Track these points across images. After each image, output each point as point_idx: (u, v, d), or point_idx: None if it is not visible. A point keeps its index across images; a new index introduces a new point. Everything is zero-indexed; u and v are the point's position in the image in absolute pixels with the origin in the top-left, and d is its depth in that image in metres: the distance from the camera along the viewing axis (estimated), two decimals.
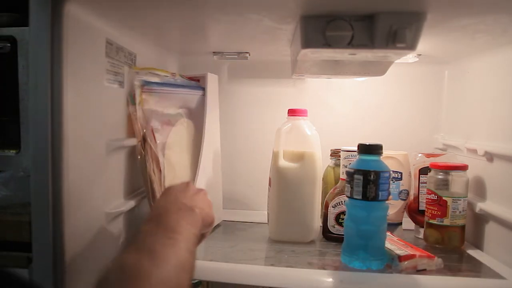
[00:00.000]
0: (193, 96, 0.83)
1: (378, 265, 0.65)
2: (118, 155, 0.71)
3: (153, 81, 0.73)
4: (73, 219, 0.55)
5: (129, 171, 0.76)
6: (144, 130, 0.71)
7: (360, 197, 0.64)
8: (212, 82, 0.84)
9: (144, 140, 0.72)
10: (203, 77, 0.84)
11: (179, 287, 0.41)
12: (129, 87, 0.74)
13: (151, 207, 0.72)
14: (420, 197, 0.85)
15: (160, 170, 0.72)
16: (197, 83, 0.84)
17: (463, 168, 0.78)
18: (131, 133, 0.75)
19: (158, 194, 0.71)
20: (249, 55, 0.93)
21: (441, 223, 0.77)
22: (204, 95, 0.84)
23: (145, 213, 0.80)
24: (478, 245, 0.78)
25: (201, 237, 0.54)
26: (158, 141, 0.72)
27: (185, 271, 0.43)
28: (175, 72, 0.80)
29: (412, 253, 0.66)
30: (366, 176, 0.64)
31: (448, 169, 0.78)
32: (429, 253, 0.67)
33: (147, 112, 0.71)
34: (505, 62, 0.74)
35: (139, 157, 0.73)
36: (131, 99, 0.73)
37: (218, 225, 0.90)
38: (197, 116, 0.83)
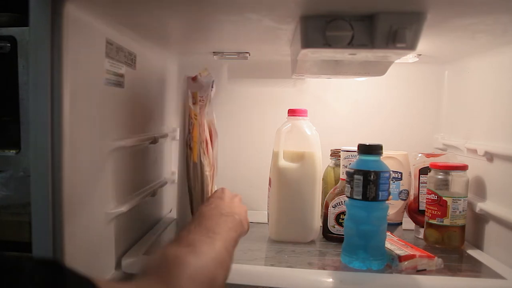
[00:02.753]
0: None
1: (378, 265, 0.65)
2: (118, 155, 0.71)
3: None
4: (73, 219, 0.55)
5: (129, 171, 0.76)
6: (207, 134, 0.72)
7: (360, 197, 0.64)
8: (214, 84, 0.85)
9: (206, 143, 0.72)
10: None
11: (214, 280, 0.44)
12: (129, 87, 0.74)
13: (192, 214, 0.72)
14: (420, 197, 0.85)
15: (213, 173, 0.74)
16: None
17: (463, 168, 0.78)
18: (131, 133, 0.75)
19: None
20: (249, 55, 0.93)
21: (441, 223, 0.77)
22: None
23: (147, 214, 0.80)
24: (478, 245, 0.78)
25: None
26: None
27: (221, 267, 0.46)
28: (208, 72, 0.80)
29: (412, 253, 0.66)
30: (366, 176, 0.64)
31: (448, 169, 0.78)
32: (429, 253, 0.67)
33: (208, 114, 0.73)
34: (505, 62, 0.74)
35: (194, 161, 0.73)
36: (191, 100, 0.73)
37: None
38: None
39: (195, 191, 0.73)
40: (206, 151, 0.72)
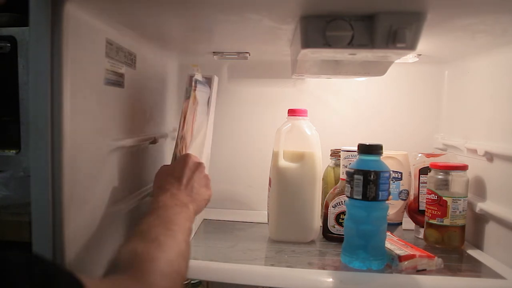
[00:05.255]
0: (205, 94, 0.82)
1: (378, 265, 0.65)
2: (118, 155, 0.71)
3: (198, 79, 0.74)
4: (73, 219, 0.55)
5: (129, 171, 0.76)
6: (187, 131, 0.71)
7: (360, 197, 0.64)
8: (216, 83, 0.85)
9: (184, 139, 0.72)
10: (209, 78, 0.84)
11: (180, 271, 0.48)
12: (129, 87, 0.74)
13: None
14: (420, 197, 0.85)
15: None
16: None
17: (463, 168, 0.78)
18: (131, 133, 0.75)
19: None
20: (249, 55, 0.93)
21: (441, 223, 0.77)
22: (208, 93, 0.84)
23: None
24: (478, 245, 0.79)
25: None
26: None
27: (184, 258, 0.50)
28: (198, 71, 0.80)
29: (412, 253, 0.66)
30: (366, 176, 0.64)
31: (448, 169, 0.78)
32: (429, 253, 0.67)
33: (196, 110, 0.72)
34: (505, 62, 0.74)
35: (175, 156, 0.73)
36: (186, 94, 0.74)
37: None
38: (201, 114, 0.83)
39: None
40: (185, 147, 0.72)
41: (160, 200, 0.58)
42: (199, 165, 0.67)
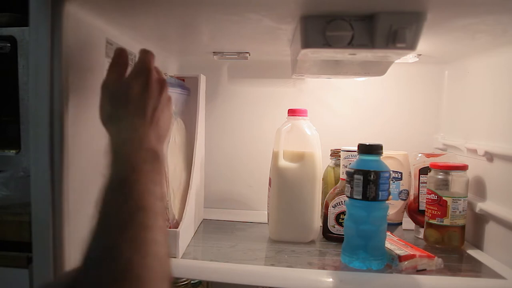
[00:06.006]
0: (181, 96, 0.82)
1: (378, 265, 0.65)
2: None
3: None
4: (73, 219, 0.55)
5: None
6: None
7: (360, 197, 0.64)
8: (203, 83, 0.86)
9: None
10: (194, 77, 0.84)
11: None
12: None
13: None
14: (420, 197, 0.85)
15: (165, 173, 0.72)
16: (183, 82, 0.84)
17: (463, 168, 0.78)
18: None
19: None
20: (249, 55, 0.93)
21: (441, 223, 0.77)
22: (189, 95, 0.84)
23: None
24: (478, 245, 0.79)
25: None
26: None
27: (166, 275, 0.39)
28: (165, 71, 0.80)
29: (412, 253, 0.66)
30: (366, 176, 0.64)
31: (448, 169, 0.78)
32: (429, 253, 0.67)
33: None
34: (505, 62, 0.74)
35: None
36: None
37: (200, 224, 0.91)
38: (183, 116, 0.83)
39: None
40: None
41: (123, 149, 0.42)
42: (163, 82, 0.51)
